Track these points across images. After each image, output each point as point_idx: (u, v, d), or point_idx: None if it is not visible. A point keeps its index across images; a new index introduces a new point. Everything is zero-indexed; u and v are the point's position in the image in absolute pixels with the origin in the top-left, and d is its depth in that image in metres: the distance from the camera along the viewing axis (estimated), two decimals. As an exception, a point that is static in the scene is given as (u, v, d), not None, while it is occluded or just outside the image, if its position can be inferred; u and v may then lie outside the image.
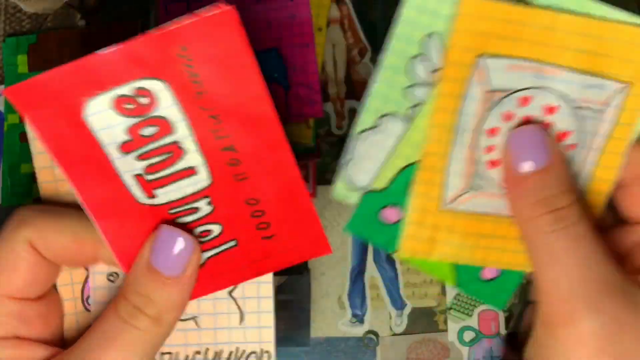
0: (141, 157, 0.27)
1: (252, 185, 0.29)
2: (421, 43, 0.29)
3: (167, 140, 0.27)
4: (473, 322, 0.42)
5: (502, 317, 0.42)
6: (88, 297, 0.30)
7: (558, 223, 0.27)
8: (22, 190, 0.44)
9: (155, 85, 0.25)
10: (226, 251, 0.30)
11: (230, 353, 0.32)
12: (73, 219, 0.30)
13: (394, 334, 0.42)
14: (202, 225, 0.29)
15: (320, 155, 0.43)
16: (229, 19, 0.25)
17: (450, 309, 0.42)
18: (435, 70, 0.29)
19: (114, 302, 0.29)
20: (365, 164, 0.31)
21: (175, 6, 0.46)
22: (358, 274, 0.42)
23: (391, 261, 0.42)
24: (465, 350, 0.42)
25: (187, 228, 0.29)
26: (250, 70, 0.26)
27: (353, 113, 0.44)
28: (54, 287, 0.32)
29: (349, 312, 0.42)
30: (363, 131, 0.30)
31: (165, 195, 0.28)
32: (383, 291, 0.42)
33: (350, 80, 0.45)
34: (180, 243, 0.29)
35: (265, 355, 0.32)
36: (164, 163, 0.27)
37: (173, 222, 0.29)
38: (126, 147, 0.26)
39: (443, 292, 0.42)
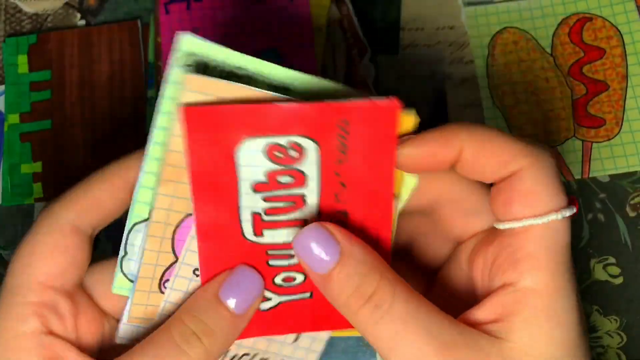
0: (267, 199, 0.29)
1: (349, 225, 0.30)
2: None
3: (297, 191, 0.29)
4: (473, 321, 0.42)
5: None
6: (166, 281, 0.30)
7: (376, 312, 0.27)
8: (22, 190, 0.44)
9: (308, 144, 0.28)
10: (300, 300, 0.32)
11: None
12: (114, 196, 0.31)
13: (394, 334, 0.42)
14: (289, 271, 0.31)
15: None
16: (392, 110, 0.28)
17: (450, 308, 0.42)
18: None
19: (169, 324, 0.29)
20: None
21: (175, 6, 0.46)
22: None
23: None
24: (465, 350, 0.42)
25: (275, 271, 0.30)
26: (389, 157, 0.29)
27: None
28: (90, 298, 0.32)
29: (348, 311, 0.42)
30: (136, 224, 0.30)
31: (271, 236, 0.30)
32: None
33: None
34: (254, 285, 0.30)
35: None
36: (284, 209, 0.29)
37: (266, 263, 0.30)
38: (259, 187, 0.28)
39: (443, 292, 0.42)
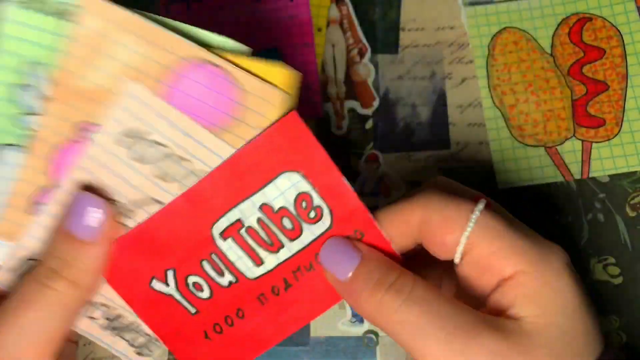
0: (260, 222, 0.30)
1: (256, 311, 0.32)
2: (24, 72, 0.28)
3: (283, 239, 0.30)
4: (472, 321, 0.42)
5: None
6: (36, 203, 0.30)
7: (400, 296, 0.28)
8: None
9: (327, 220, 0.30)
10: (183, 309, 0.32)
11: (131, 323, 0.33)
12: None
13: (394, 334, 0.42)
14: (206, 282, 0.31)
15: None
16: (395, 258, 0.31)
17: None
18: (44, 98, 0.29)
19: (33, 269, 0.30)
20: None
21: (175, 6, 0.46)
22: (358, 273, 0.42)
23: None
24: (464, 349, 0.42)
25: (198, 271, 0.31)
26: None
27: (353, 113, 0.44)
28: None
29: (348, 311, 0.42)
30: None
31: (228, 247, 0.30)
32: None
33: (349, 81, 0.45)
34: (94, 208, 0.30)
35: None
36: (261, 242, 0.30)
37: (200, 260, 0.31)
38: (266, 209, 0.30)
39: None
